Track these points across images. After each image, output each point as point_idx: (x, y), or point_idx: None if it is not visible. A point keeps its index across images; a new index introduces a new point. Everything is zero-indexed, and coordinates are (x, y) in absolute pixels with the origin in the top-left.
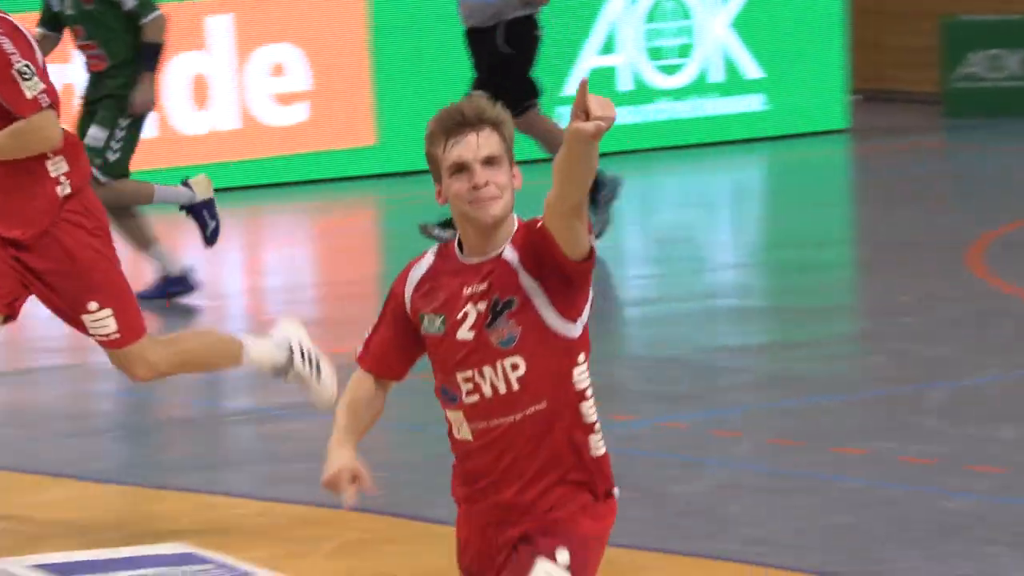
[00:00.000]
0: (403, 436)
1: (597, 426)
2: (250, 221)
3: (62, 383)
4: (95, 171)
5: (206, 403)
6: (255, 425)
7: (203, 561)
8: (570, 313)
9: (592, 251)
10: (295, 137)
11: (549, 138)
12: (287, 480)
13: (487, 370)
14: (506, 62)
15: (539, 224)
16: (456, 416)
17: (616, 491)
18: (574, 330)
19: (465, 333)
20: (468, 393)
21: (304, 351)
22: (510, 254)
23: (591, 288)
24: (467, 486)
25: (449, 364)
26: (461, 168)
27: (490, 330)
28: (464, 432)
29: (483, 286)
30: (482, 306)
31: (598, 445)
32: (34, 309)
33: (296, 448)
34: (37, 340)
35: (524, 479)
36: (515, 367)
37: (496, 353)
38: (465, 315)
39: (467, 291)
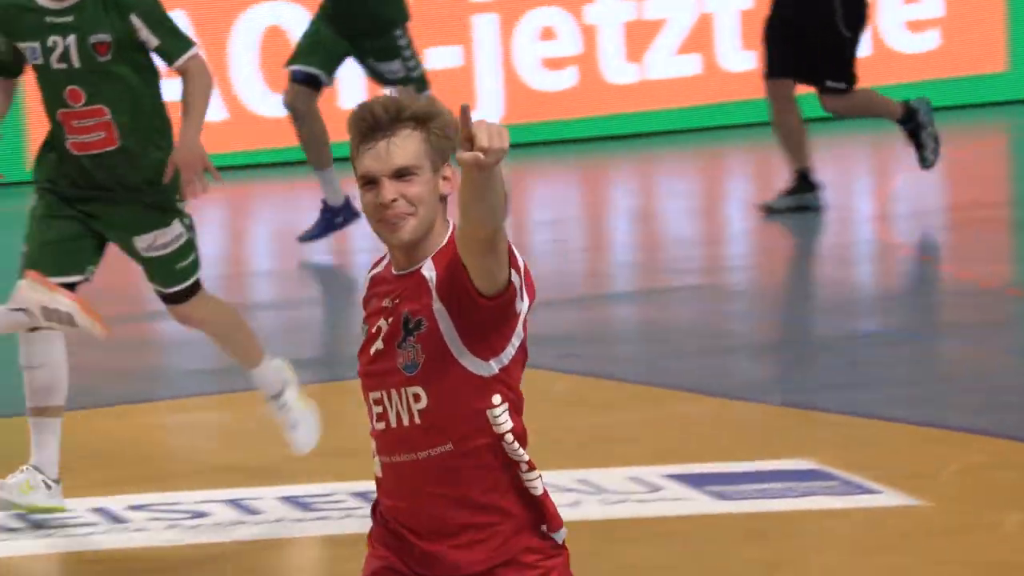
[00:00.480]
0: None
1: (526, 467)
2: (878, 147)
3: (697, 302)
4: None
5: (840, 323)
6: (888, 347)
7: (829, 478)
8: (481, 350)
9: (510, 286)
10: (927, 64)
11: (874, 109)
12: (917, 401)
13: (393, 395)
14: (841, 41)
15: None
16: (372, 445)
17: (563, 533)
18: (486, 368)
19: (375, 348)
20: (377, 418)
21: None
22: (428, 271)
23: (521, 327)
24: (386, 528)
25: (363, 384)
26: (370, 180)
27: (399, 349)
28: (375, 465)
29: (397, 300)
30: (390, 320)
31: (534, 484)
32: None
33: (928, 370)
34: (672, 261)
35: (443, 532)
36: (417, 398)
37: (400, 378)
38: (378, 329)
39: (384, 303)
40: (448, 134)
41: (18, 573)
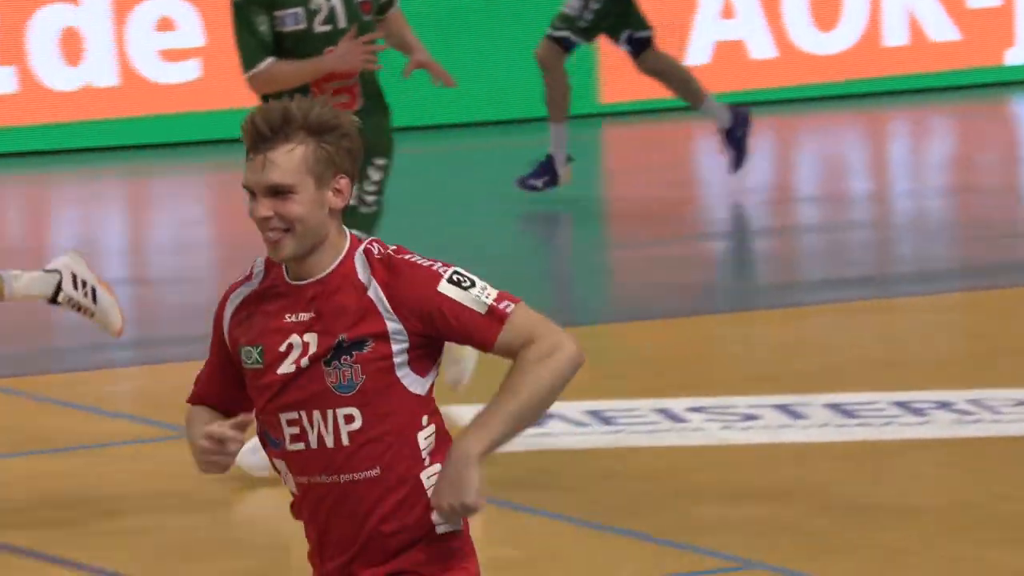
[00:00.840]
0: None
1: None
2: None
3: None
4: (566, 34)
5: None
6: None
7: None
8: (422, 367)
9: None
10: None
11: None
12: None
13: (316, 415)
14: None
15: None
16: (280, 464)
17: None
18: (423, 385)
19: (287, 367)
20: (292, 439)
21: (78, 278)
22: (375, 291)
23: None
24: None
25: (270, 404)
26: (250, 192)
27: (328, 368)
28: (290, 484)
29: (309, 313)
30: (310, 337)
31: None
32: None
33: None
34: None
35: (348, 554)
36: (349, 419)
37: (330, 398)
38: (289, 347)
39: (289, 318)
40: (345, 145)
41: (585, 463)
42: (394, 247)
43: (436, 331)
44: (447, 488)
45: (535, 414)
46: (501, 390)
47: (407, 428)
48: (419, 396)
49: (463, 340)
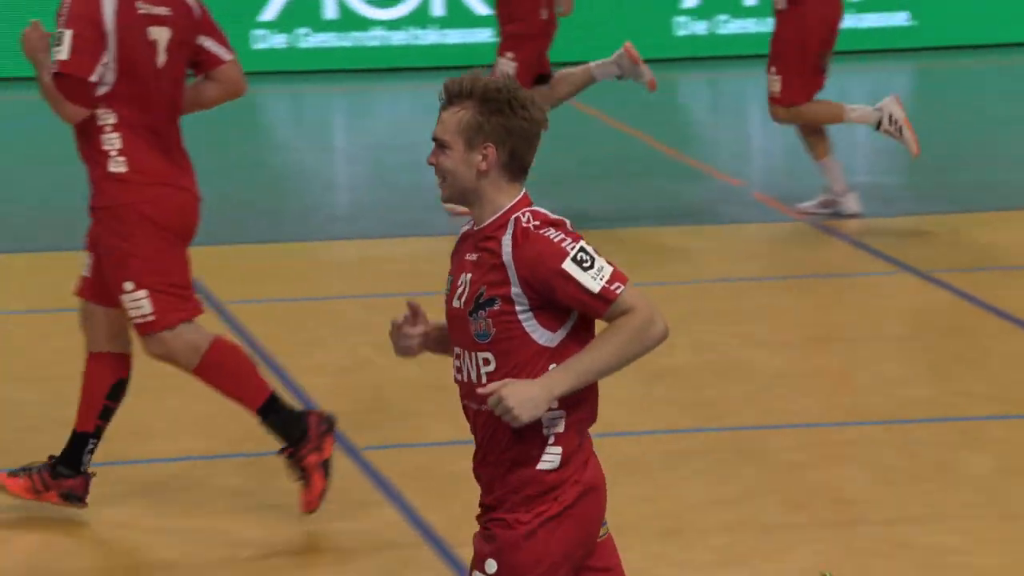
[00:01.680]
0: None
1: (552, 441)
2: None
3: None
4: None
5: None
6: None
7: None
8: (551, 323)
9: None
10: None
11: None
12: None
13: (465, 354)
14: None
15: (557, 268)
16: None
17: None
18: (552, 339)
19: (456, 301)
20: (456, 369)
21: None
22: (508, 256)
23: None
24: None
25: (452, 337)
26: None
27: (471, 319)
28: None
29: (477, 255)
30: (469, 277)
31: (549, 460)
32: None
33: None
34: None
35: (485, 462)
36: (486, 362)
37: (472, 342)
38: (461, 282)
39: (467, 256)
40: (499, 120)
41: None
42: (540, 220)
43: (552, 300)
44: (517, 390)
45: (611, 371)
46: (593, 343)
47: (532, 374)
48: (546, 347)
49: (575, 308)
